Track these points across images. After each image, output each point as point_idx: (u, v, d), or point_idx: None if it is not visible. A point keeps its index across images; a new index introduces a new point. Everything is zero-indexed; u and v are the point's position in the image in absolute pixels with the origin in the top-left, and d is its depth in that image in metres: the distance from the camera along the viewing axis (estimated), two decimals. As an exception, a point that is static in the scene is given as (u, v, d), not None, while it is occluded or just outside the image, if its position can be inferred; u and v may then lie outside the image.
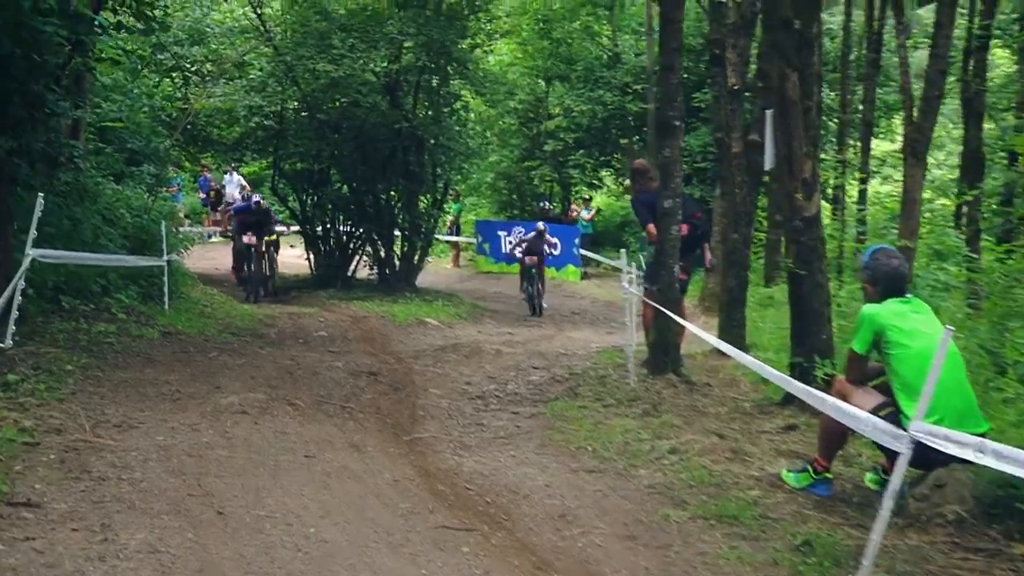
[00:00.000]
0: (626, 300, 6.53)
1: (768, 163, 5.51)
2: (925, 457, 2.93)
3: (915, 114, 8.09)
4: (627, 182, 16.76)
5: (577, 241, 15.91)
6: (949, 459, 2.83)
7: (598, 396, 5.77)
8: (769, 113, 5.30)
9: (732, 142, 7.76)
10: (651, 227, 6.11)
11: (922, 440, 2.71)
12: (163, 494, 3.64)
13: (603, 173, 19.06)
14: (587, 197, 18.41)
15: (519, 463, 4.55)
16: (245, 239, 11.06)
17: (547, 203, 17.21)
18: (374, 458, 4.45)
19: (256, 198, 11.42)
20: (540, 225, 11.86)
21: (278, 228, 11.84)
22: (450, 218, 16.88)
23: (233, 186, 16.61)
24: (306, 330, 8.22)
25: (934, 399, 2.83)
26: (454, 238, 17.31)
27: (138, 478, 3.81)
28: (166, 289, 8.56)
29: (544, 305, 11.91)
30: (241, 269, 11.37)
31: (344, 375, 6.50)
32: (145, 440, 4.38)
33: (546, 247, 12.41)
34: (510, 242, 15.37)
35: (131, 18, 7.70)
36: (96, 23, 6.67)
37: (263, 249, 11.08)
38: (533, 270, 11.19)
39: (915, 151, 7.85)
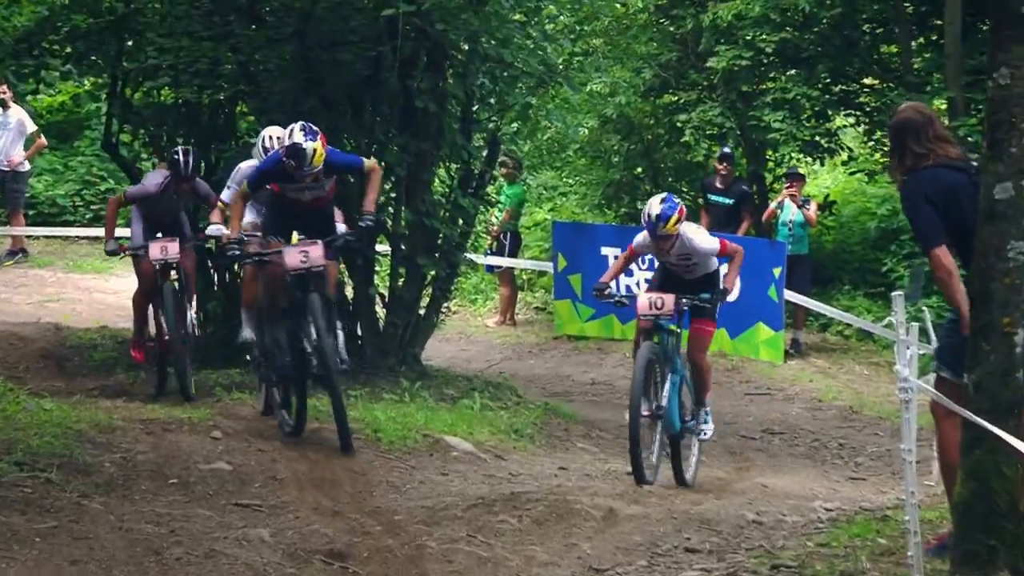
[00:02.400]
0: (902, 404, 6.44)
1: None
2: None
3: None
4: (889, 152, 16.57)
5: (779, 272, 15.19)
6: None
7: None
8: None
9: None
10: (938, 252, 6.37)
11: None
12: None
13: (838, 123, 18.79)
14: (798, 173, 17.34)
15: None
16: (156, 251, 11.56)
17: (724, 177, 16.99)
18: None
19: (184, 153, 12.02)
20: (690, 232, 10.19)
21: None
22: (499, 218, 17.33)
23: (7, 133, 17.76)
24: (185, 458, 8.86)
25: None
26: (505, 260, 17.55)
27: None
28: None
29: (705, 425, 10.71)
30: (145, 324, 12.04)
31: (276, 560, 7.04)
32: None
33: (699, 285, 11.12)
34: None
35: None
36: None
37: (185, 271, 11.93)
38: (668, 337, 10.25)
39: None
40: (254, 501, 8.16)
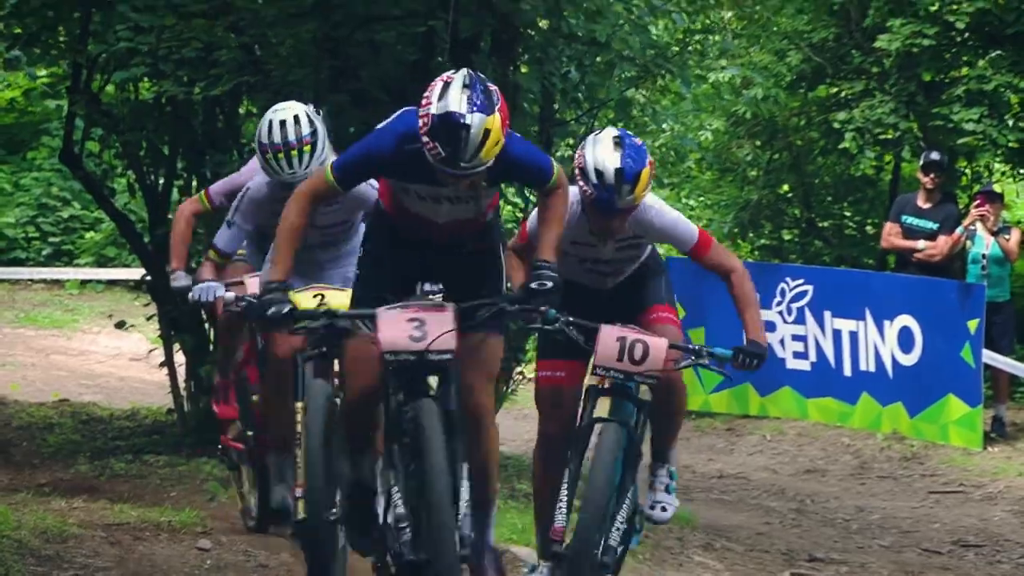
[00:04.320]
0: None
1: None
2: None
3: None
4: None
5: (976, 326, 15.21)
6: None
7: None
8: None
9: None
10: None
11: None
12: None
13: None
14: (992, 192, 17.23)
15: None
16: (255, 287, 10.40)
17: (929, 193, 16.68)
18: None
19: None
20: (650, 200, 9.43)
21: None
22: None
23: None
24: None
25: None
26: None
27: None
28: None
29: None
30: (248, 416, 11.00)
31: None
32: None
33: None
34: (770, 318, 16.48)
35: None
36: None
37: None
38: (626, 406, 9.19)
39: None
40: None
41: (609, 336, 7.38)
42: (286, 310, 7.00)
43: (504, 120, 6.70)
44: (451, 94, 6.52)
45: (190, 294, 9.11)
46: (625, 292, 8.02)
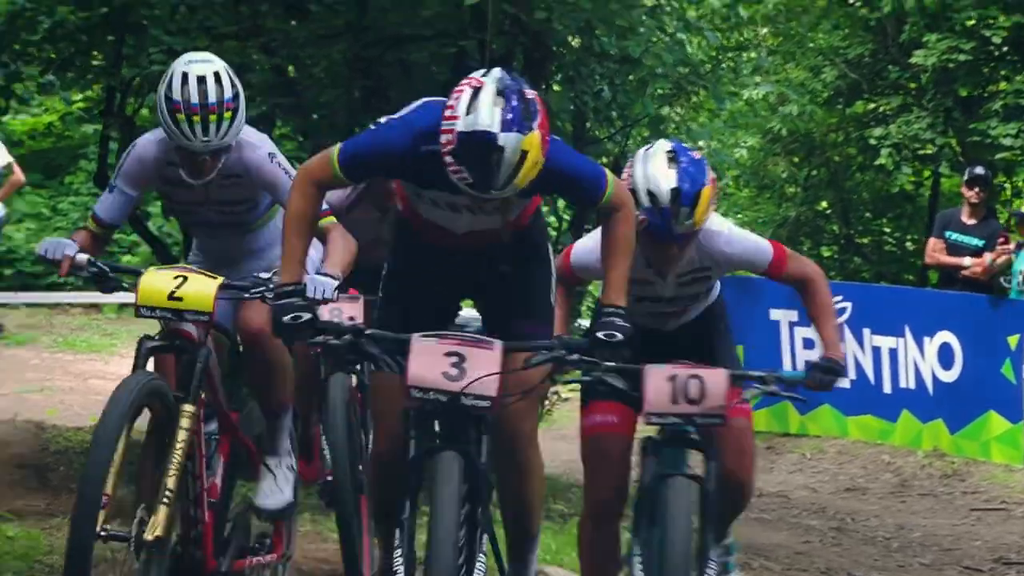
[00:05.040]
0: None
1: None
2: None
3: None
4: None
5: (1017, 342, 15.26)
6: None
7: None
8: None
9: None
10: None
11: None
12: None
13: None
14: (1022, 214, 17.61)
15: None
16: (323, 313, 9.16)
17: (974, 209, 16.45)
18: None
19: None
20: (716, 225, 8.32)
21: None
22: None
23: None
24: None
25: None
26: None
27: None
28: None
29: None
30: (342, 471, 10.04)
31: None
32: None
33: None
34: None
35: None
36: None
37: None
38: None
39: None
40: None
41: (658, 377, 6.27)
42: (305, 319, 5.95)
43: (544, 135, 5.64)
44: (481, 106, 5.44)
45: (36, 247, 7.25)
46: (690, 340, 6.87)
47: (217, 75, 7.03)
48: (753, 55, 18.75)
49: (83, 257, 6.89)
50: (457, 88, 5.47)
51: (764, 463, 16.01)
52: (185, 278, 6.67)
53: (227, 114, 6.93)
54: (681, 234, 6.15)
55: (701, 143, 15.88)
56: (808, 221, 19.64)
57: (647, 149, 6.80)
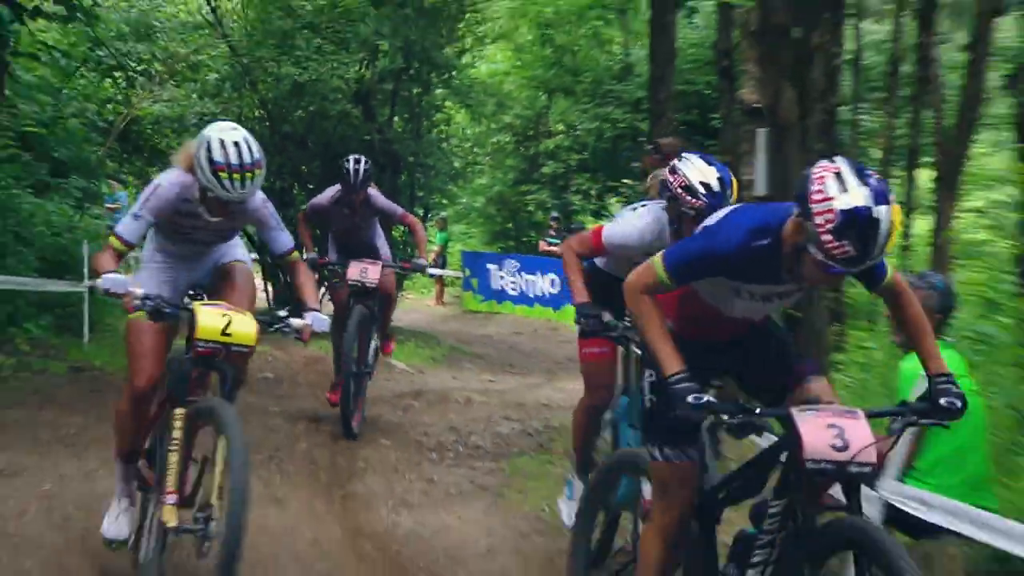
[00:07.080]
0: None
1: (758, 189, 8.80)
2: (908, 523, 6.32)
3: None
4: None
5: None
6: (938, 529, 6.19)
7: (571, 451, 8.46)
8: (761, 132, 8.74)
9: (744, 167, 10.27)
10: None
11: (891, 502, 5.88)
12: (38, 551, 6.29)
13: (610, 200, 27.83)
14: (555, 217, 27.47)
15: (464, 523, 7.88)
16: (354, 272, 11.52)
17: (555, 225, 25.95)
18: (296, 515, 7.48)
19: (355, 161, 11.66)
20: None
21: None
22: (435, 249, 27.06)
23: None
24: (249, 371, 8.94)
25: (947, 461, 6.53)
26: (439, 271, 27.34)
27: (11, 531, 6.62)
28: (85, 319, 13.13)
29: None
30: (346, 365, 11.64)
31: (281, 421, 10.14)
32: (27, 488, 7.31)
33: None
34: (501, 276, 25.99)
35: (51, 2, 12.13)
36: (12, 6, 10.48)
37: (383, 296, 11.99)
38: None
39: (947, 181, 12.83)
40: (281, 392, 11.45)
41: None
42: (703, 401, 5.40)
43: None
44: (851, 186, 5.06)
45: (98, 282, 7.25)
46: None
47: (247, 140, 7.24)
48: (481, 167, 28.11)
49: (140, 291, 7.21)
50: (815, 175, 5.14)
51: (482, 323, 25.53)
52: (230, 319, 7.13)
53: (258, 171, 7.17)
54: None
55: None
56: (501, 231, 31.98)
57: (689, 162, 7.42)
